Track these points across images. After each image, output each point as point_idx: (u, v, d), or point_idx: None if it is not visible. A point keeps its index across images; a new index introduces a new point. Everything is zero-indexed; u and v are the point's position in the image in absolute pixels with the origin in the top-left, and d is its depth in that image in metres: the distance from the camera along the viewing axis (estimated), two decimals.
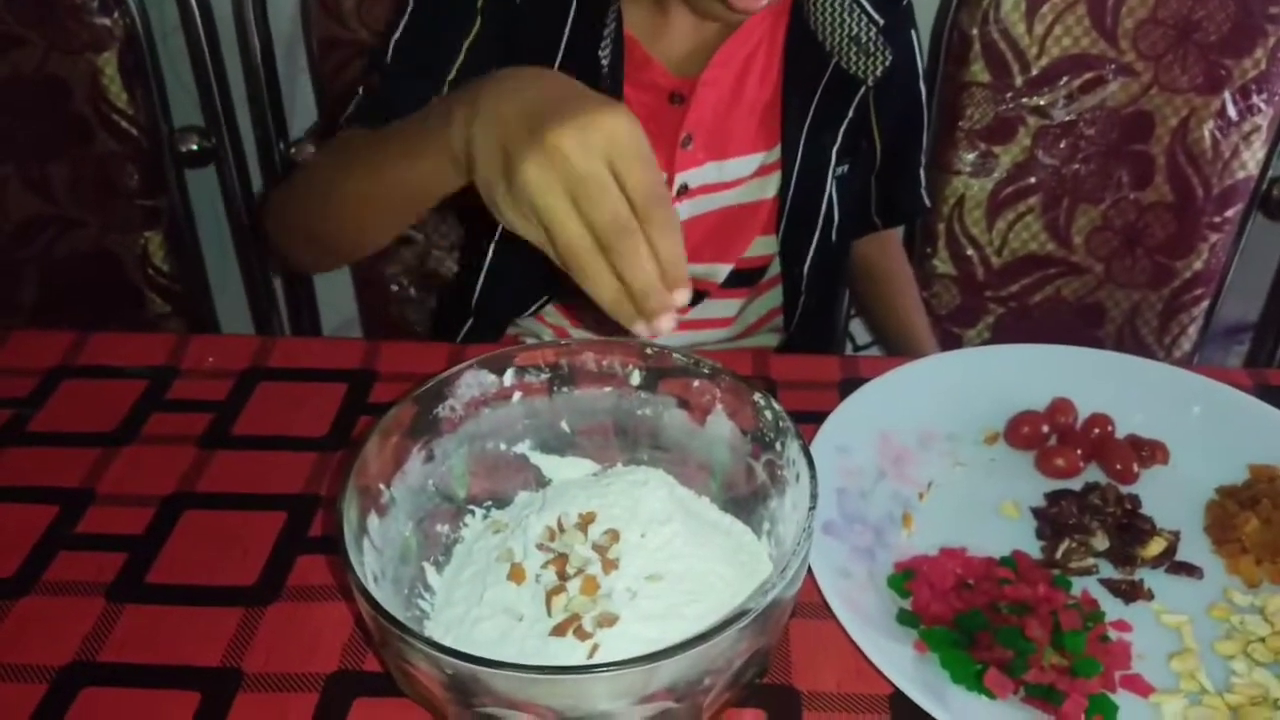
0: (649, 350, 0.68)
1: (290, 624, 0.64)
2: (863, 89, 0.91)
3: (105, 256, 1.37)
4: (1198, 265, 1.24)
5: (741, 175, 0.94)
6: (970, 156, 1.21)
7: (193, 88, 1.33)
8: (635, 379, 0.69)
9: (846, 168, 0.96)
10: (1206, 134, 1.17)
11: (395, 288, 1.34)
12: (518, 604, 0.60)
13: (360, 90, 0.89)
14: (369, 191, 0.76)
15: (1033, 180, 1.22)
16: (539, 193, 0.56)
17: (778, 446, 0.63)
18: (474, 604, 0.60)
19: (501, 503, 0.69)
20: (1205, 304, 1.28)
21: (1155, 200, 1.21)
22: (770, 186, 0.95)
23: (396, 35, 0.87)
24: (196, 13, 1.26)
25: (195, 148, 1.36)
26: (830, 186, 0.95)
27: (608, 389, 0.69)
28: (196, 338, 0.88)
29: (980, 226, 1.25)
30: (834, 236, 0.98)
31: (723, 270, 0.99)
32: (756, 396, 0.64)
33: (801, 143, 0.92)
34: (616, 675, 0.49)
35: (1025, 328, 1.29)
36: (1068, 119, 1.18)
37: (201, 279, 1.44)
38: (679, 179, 0.92)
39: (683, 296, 0.57)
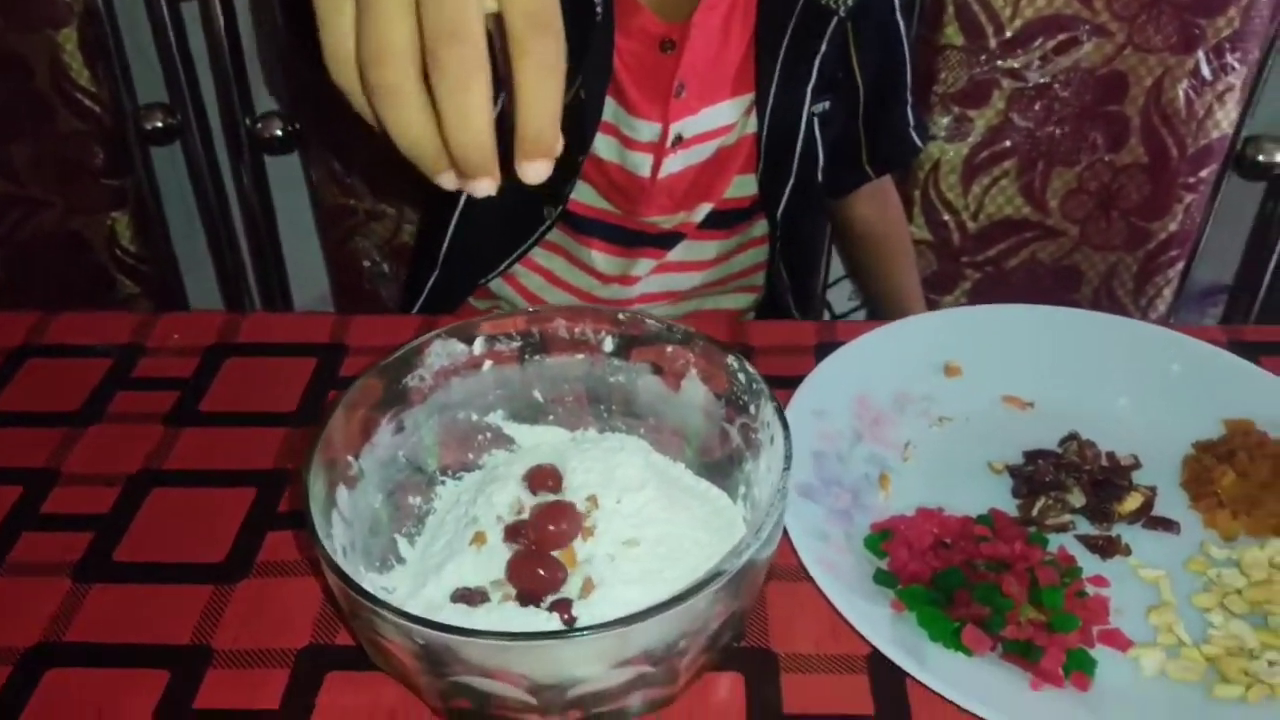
0: (622, 316, 0.67)
1: (260, 600, 0.63)
2: (834, 20, 0.90)
3: (71, 238, 1.35)
4: (1173, 227, 1.24)
5: (732, 120, 0.94)
6: (945, 121, 1.20)
7: (156, 64, 1.31)
8: (608, 345, 0.68)
9: (827, 105, 0.94)
10: (1180, 94, 1.16)
11: (368, 263, 1.32)
12: (491, 572, 0.59)
13: None
14: None
15: (1007, 144, 1.21)
16: None
17: (752, 410, 0.62)
18: (447, 573, 0.59)
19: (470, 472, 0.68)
20: (1180, 266, 1.28)
21: (1130, 162, 1.21)
22: (751, 125, 0.94)
23: None
24: None
25: (160, 125, 1.34)
26: (807, 123, 0.93)
27: (580, 356, 0.68)
28: (163, 315, 0.87)
29: (955, 191, 1.24)
30: (818, 178, 0.97)
31: (702, 209, 0.98)
32: (730, 360, 0.63)
33: (775, 77, 0.91)
34: (590, 640, 0.49)
35: (1002, 292, 1.29)
36: (1042, 81, 1.18)
37: (170, 259, 1.43)
38: (673, 129, 0.91)
39: (537, 171, 0.43)
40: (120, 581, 0.65)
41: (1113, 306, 1.29)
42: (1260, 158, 1.24)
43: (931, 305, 1.30)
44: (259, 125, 1.31)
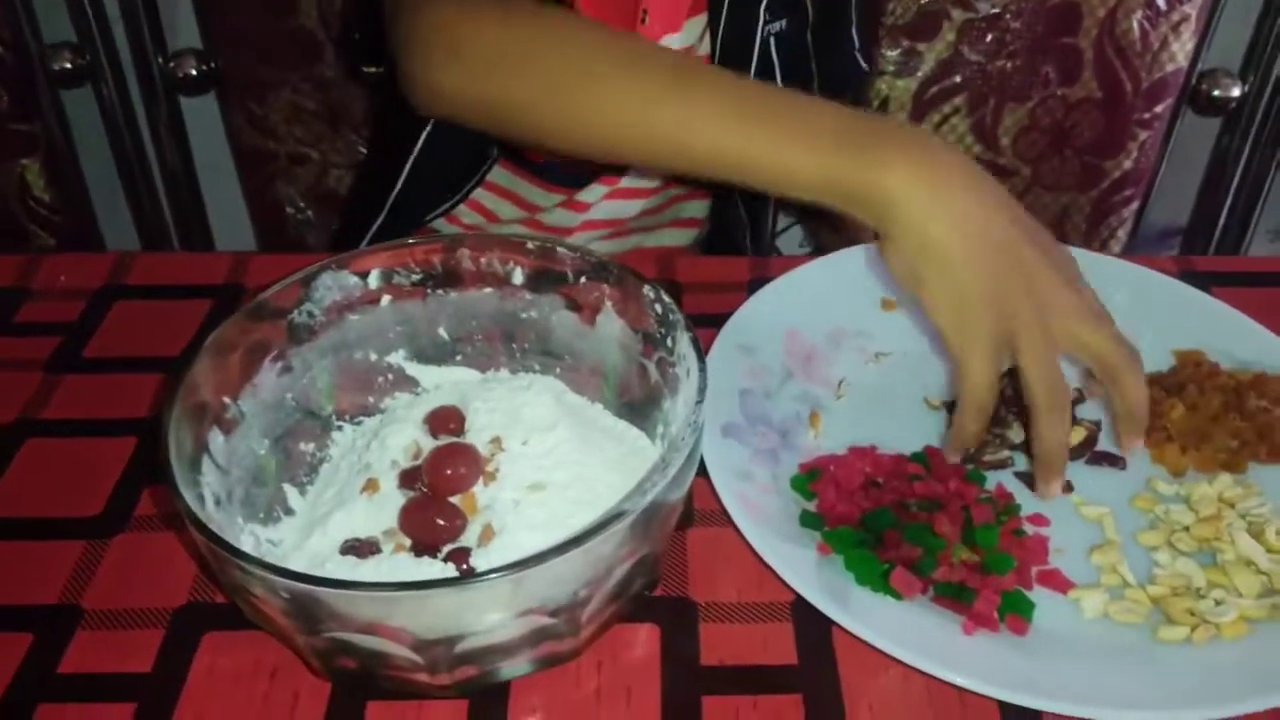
0: (531, 245, 0.62)
1: (136, 557, 0.58)
2: None
3: None
4: (1127, 165, 1.20)
5: (689, 43, 0.88)
6: (893, 54, 1.15)
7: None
8: (518, 278, 0.63)
9: (783, 24, 0.89)
10: (1135, 24, 1.12)
11: (291, 209, 1.26)
12: (384, 521, 0.54)
13: None
14: (648, 130, 0.67)
15: (958, 79, 1.16)
16: (1030, 329, 0.58)
17: (669, 342, 0.57)
18: (335, 524, 0.54)
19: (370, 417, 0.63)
20: (1135, 205, 1.24)
21: (1083, 96, 1.16)
22: (705, 46, 0.89)
23: None
24: None
25: (69, 65, 1.26)
26: (762, 43, 0.88)
27: (488, 290, 0.63)
28: (49, 257, 0.81)
29: None
30: None
31: None
32: (645, 289, 0.58)
33: None
34: (479, 589, 0.44)
35: None
36: (993, 12, 1.13)
37: (86, 208, 1.35)
38: None
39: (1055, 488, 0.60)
40: None
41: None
42: (1216, 92, 1.20)
43: None
44: (173, 64, 1.23)
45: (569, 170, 0.96)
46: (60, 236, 1.32)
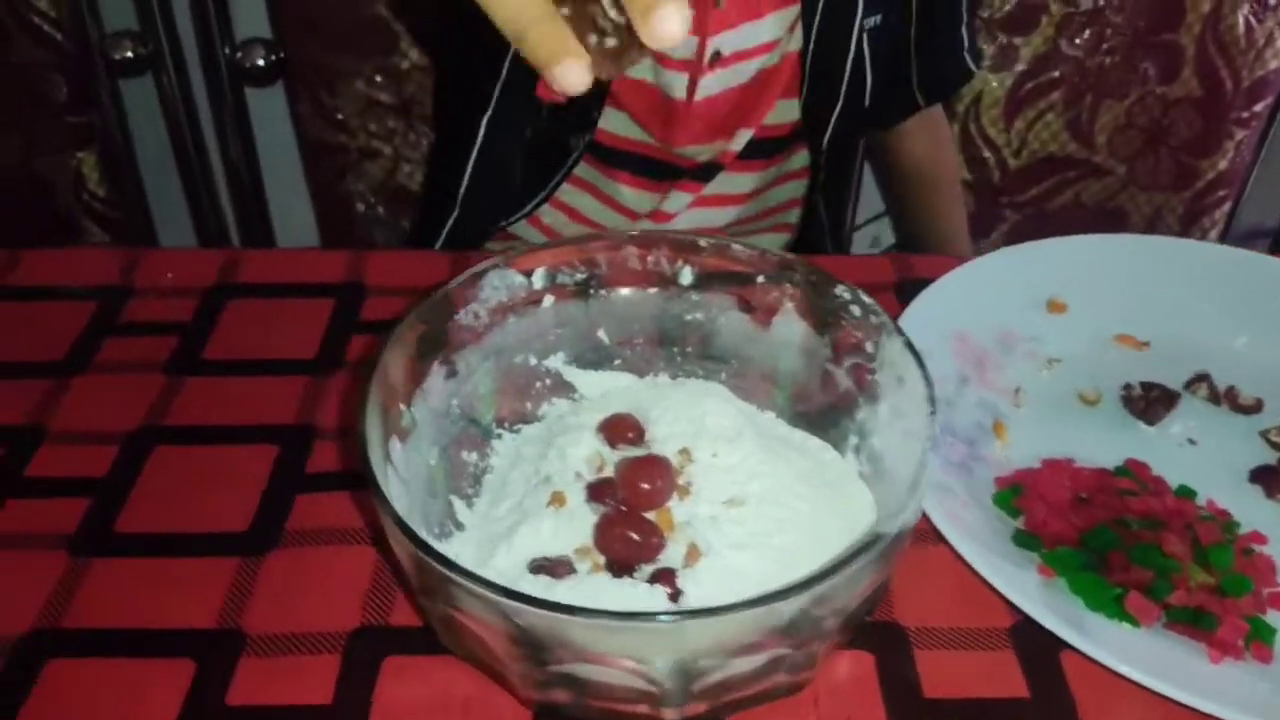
0: (704, 244, 0.58)
1: (296, 574, 0.54)
2: None
3: (33, 180, 1.22)
4: (1222, 165, 1.17)
5: (775, 37, 0.84)
6: (989, 48, 1.12)
7: None
8: (686, 278, 0.59)
9: (878, 19, 0.85)
10: (1240, 20, 1.09)
11: (362, 206, 1.22)
12: (574, 538, 0.50)
13: None
14: None
15: (1055, 74, 1.13)
16: None
17: (868, 347, 0.54)
18: (521, 540, 0.50)
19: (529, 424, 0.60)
20: (1227, 207, 1.21)
21: (1182, 95, 1.13)
22: (795, 42, 0.85)
23: None
24: None
25: (130, 55, 1.22)
26: (858, 39, 0.84)
27: (653, 290, 0.60)
28: (151, 252, 0.76)
29: (998, 126, 1.16)
30: (866, 102, 0.88)
31: (743, 137, 0.89)
32: (840, 290, 0.54)
33: None
34: (731, 619, 0.40)
35: (1042, 235, 1.20)
36: (1094, 6, 1.09)
37: (141, 203, 1.31)
38: (711, 44, 0.82)
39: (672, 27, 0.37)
40: (124, 555, 0.55)
41: None
42: None
43: None
44: (239, 54, 1.19)
45: (648, 168, 0.92)
46: (114, 232, 1.28)
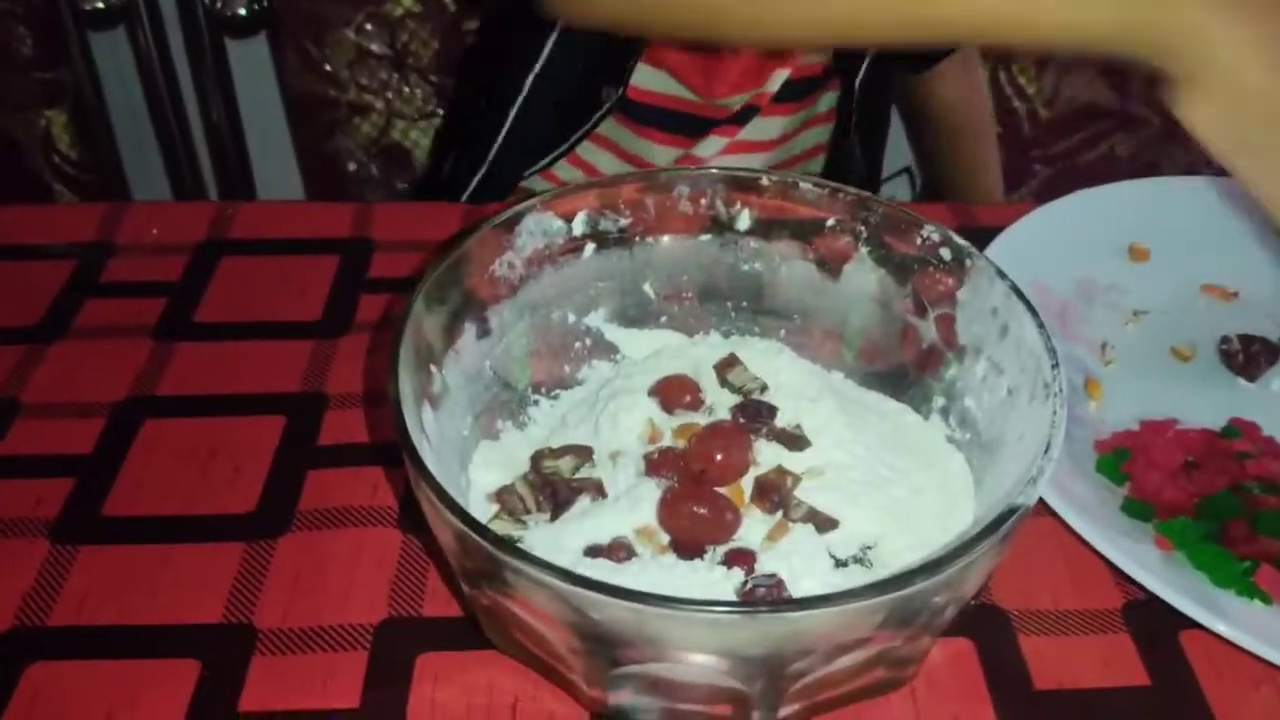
0: (766, 182, 0.52)
1: (311, 561, 0.48)
2: None
3: None
4: None
5: None
6: None
7: None
8: (744, 222, 0.53)
9: None
10: None
11: (353, 166, 1.14)
12: (634, 518, 0.44)
13: None
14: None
15: None
16: None
17: (961, 295, 0.48)
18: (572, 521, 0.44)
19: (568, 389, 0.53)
20: None
21: None
22: None
23: None
24: None
25: (101, 5, 1.13)
26: None
27: (706, 238, 0.53)
28: (133, 206, 0.69)
29: (1029, 75, 1.10)
30: None
31: (779, 77, 0.83)
32: (928, 230, 0.48)
33: None
34: (845, 610, 0.34)
35: (1075, 190, 1.15)
36: None
37: (115, 164, 1.23)
38: None
39: None
40: (114, 541, 0.49)
41: None
42: None
43: None
44: (219, 3, 1.11)
45: (681, 124, 0.86)
46: (87, 195, 1.21)
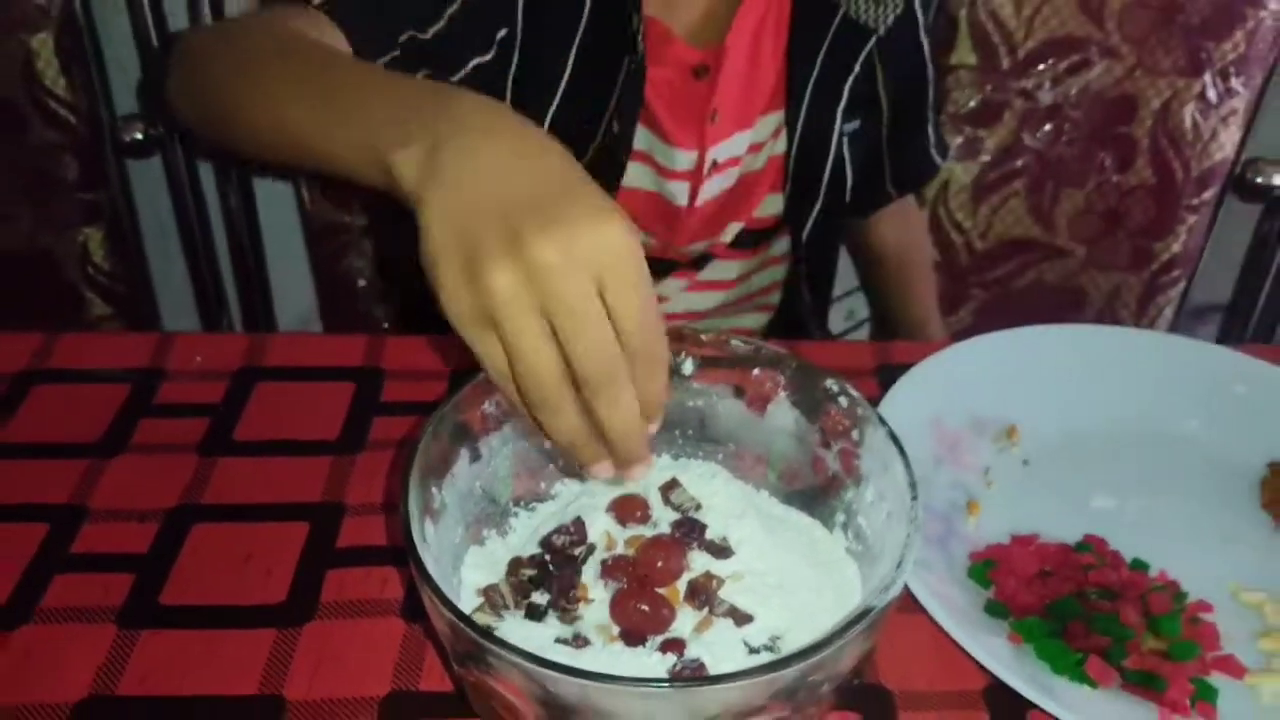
0: (705, 337, 0.64)
1: (331, 644, 0.59)
2: (871, 41, 0.88)
3: (40, 255, 1.27)
4: (1176, 247, 1.25)
5: (760, 140, 0.91)
6: (956, 140, 1.20)
7: (136, 72, 1.25)
8: (687, 368, 0.65)
9: (857, 124, 0.93)
10: (1188, 116, 1.18)
11: (363, 283, 1.27)
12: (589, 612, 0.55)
13: None
14: (271, 130, 0.62)
15: (1018, 164, 1.21)
16: (509, 311, 0.46)
17: (854, 435, 0.60)
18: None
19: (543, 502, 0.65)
20: (1181, 285, 1.29)
21: (1137, 183, 1.22)
22: (780, 145, 0.92)
23: None
24: None
25: (140, 136, 1.27)
26: (837, 143, 0.92)
27: None
28: (180, 336, 0.81)
29: (965, 211, 1.24)
30: (846, 198, 0.96)
31: (732, 229, 0.96)
32: (829, 383, 0.60)
33: (806, 101, 0.89)
34: (736, 686, 0.45)
35: (1008, 312, 1.28)
36: (1053, 102, 1.18)
37: (144, 277, 1.35)
38: (709, 155, 0.88)
39: (650, 432, 0.52)
40: (170, 626, 0.60)
41: (1115, 326, 1.29)
42: (1259, 179, 1.25)
43: None
44: None
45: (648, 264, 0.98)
46: (117, 305, 1.32)
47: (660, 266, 0.98)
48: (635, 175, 0.91)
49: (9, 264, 1.26)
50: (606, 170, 0.87)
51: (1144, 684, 0.55)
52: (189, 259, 1.37)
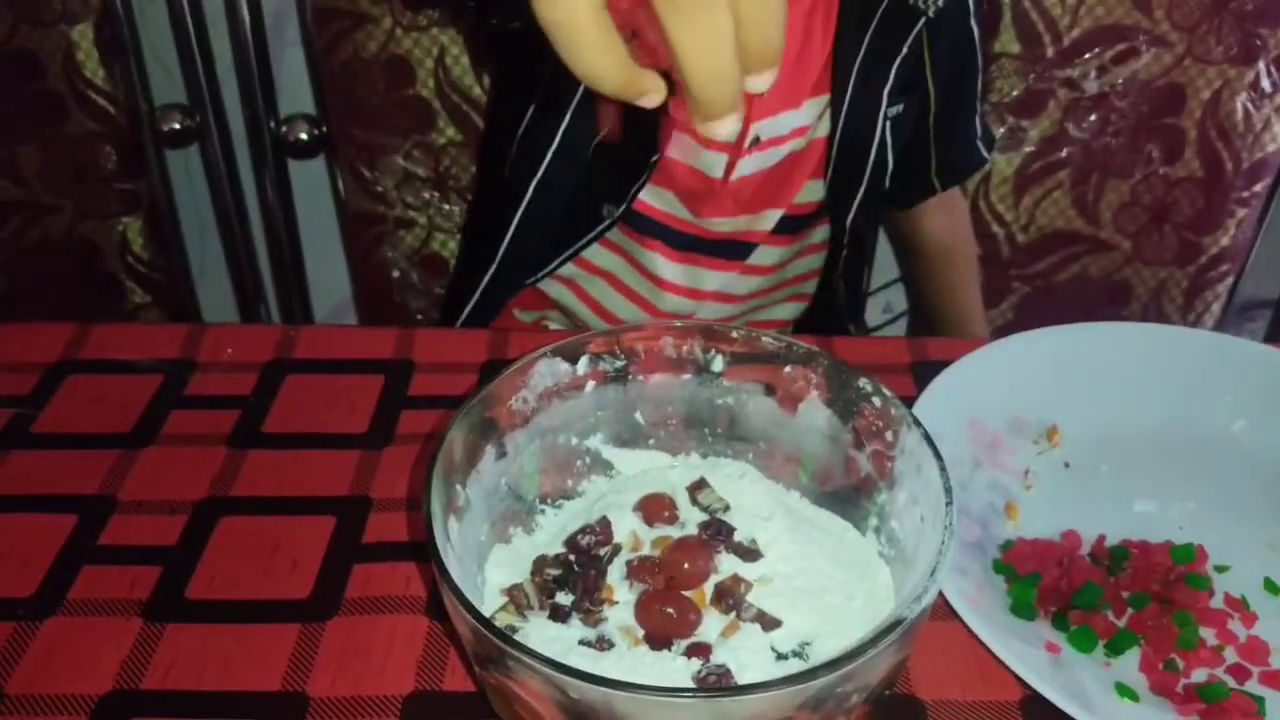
0: (736, 334, 0.63)
1: (355, 641, 0.58)
2: (920, 23, 0.87)
3: (80, 244, 1.28)
4: (1224, 241, 1.22)
5: (806, 123, 0.90)
6: (999, 130, 1.17)
7: (175, 63, 1.25)
8: (717, 365, 0.63)
9: (900, 109, 0.91)
10: (1239, 106, 1.14)
11: (396, 273, 1.27)
12: (615, 615, 0.54)
13: None
14: None
15: (1062, 154, 1.18)
16: None
17: (887, 436, 0.58)
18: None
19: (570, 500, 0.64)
20: (1229, 281, 1.26)
21: (1184, 175, 1.18)
22: (823, 128, 0.91)
23: None
24: None
25: (178, 127, 1.28)
26: (882, 128, 0.90)
27: (687, 376, 0.64)
28: (211, 328, 0.81)
29: (1007, 203, 1.21)
30: (886, 184, 0.94)
31: (773, 216, 0.95)
32: (862, 382, 0.59)
33: (852, 80, 0.88)
34: (763, 696, 0.44)
35: (1050, 307, 1.26)
36: (1099, 92, 1.15)
37: (183, 266, 1.36)
38: (753, 129, 0.88)
39: (765, 81, 0.42)
40: (196, 620, 0.60)
41: (1161, 322, 1.26)
42: None
43: None
44: (284, 128, 1.25)
45: (681, 241, 0.97)
46: (155, 293, 1.34)
47: (694, 244, 0.97)
48: (675, 144, 0.90)
49: (51, 253, 1.28)
50: (645, 139, 0.87)
51: (1199, 698, 0.53)
52: (226, 248, 1.38)
